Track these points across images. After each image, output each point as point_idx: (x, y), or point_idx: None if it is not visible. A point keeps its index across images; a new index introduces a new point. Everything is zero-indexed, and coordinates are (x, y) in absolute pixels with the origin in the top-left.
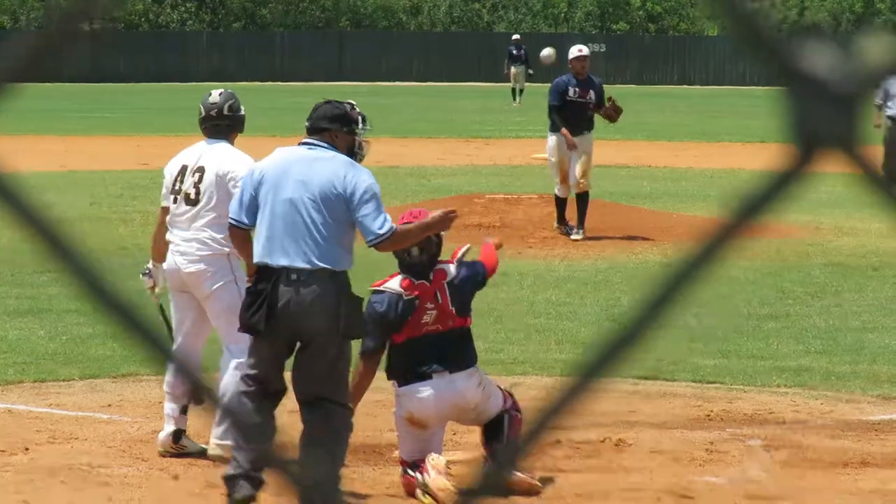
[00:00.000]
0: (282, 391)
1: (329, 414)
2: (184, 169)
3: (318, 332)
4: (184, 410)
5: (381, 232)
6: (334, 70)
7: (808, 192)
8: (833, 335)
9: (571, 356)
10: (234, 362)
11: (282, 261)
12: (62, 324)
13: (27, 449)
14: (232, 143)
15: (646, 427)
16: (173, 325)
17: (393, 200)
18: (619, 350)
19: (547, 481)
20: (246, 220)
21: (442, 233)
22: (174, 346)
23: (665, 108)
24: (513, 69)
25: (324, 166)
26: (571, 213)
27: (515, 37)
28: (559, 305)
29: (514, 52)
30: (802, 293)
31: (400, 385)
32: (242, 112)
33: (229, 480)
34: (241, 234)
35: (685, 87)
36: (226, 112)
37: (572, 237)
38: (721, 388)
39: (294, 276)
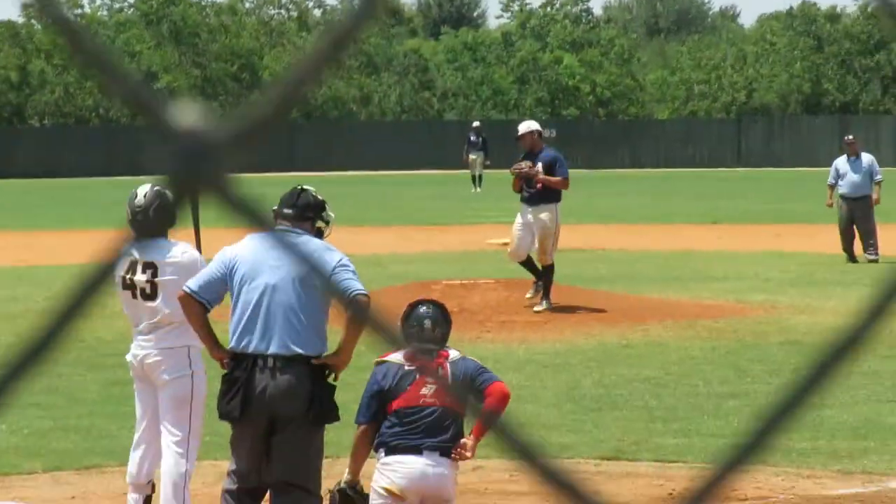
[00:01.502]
0: (264, 487)
1: (297, 503)
2: (133, 264)
3: (293, 418)
4: (147, 501)
5: (361, 288)
6: (286, 160)
7: (765, 271)
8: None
9: (533, 440)
10: (171, 446)
11: (257, 348)
12: (24, 417)
13: None
14: (167, 237)
15: None
16: (137, 414)
17: None
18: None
19: None
20: (204, 296)
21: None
22: (136, 434)
23: (618, 191)
24: (471, 156)
25: (299, 250)
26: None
27: (476, 124)
28: (520, 388)
29: (473, 138)
30: (761, 371)
31: (387, 454)
32: (172, 209)
33: None
34: (194, 305)
35: (636, 169)
36: (151, 215)
37: (534, 309)
38: (683, 467)
39: (271, 363)
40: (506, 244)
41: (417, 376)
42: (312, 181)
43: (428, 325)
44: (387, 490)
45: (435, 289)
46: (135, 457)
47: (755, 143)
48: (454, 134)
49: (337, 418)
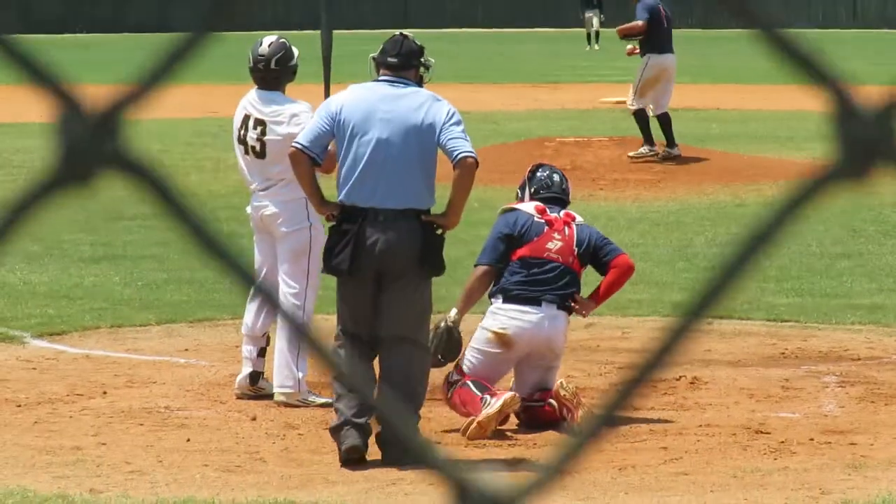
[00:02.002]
0: (375, 338)
1: (408, 357)
2: (246, 119)
3: (404, 272)
4: (261, 353)
5: (470, 151)
6: (399, 17)
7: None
8: None
9: (646, 296)
10: (289, 298)
11: (369, 202)
12: (137, 270)
13: (105, 392)
14: (283, 91)
15: (721, 365)
16: (255, 265)
17: None
18: (719, 292)
19: (622, 420)
20: (314, 150)
21: None
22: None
23: (731, 51)
24: (587, 13)
25: (409, 102)
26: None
27: None
28: (632, 246)
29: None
30: (874, 232)
31: (504, 301)
32: (293, 63)
33: (335, 432)
34: (305, 161)
35: (751, 29)
36: (273, 66)
37: (628, 153)
38: (795, 327)
39: (381, 217)
40: (619, 102)
41: (546, 229)
42: (425, 38)
43: (557, 178)
44: (498, 334)
45: (548, 146)
46: (251, 308)
47: (870, 3)
48: None
49: (444, 271)
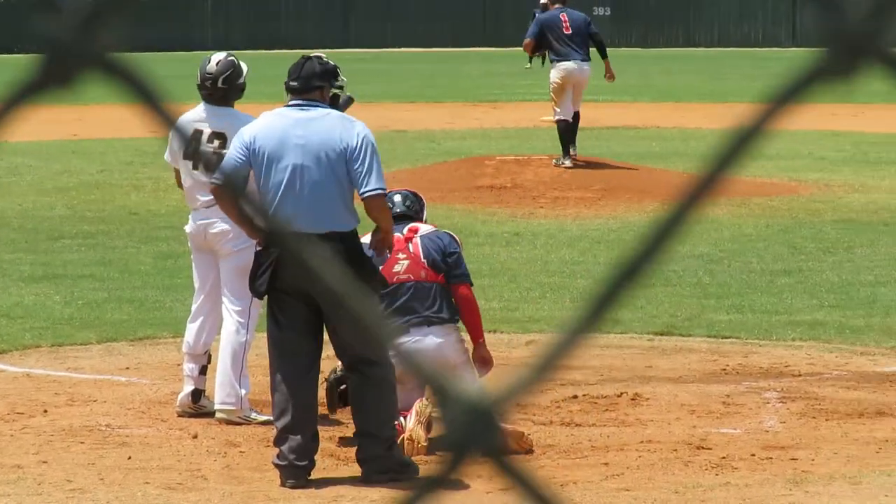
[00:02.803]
0: (312, 357)
1: (369, 375)
2: (197, 134)
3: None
4: (202, 371)
5: (375, 187)
6: (340, 36)
7: (819, 150)
8: (846, 289)
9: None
10: (233, 315)
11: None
12: (77, 289)
13: (46, 411)
14: (232, 107)
15: (663, 381)
16: (195, 285)
17: (403, 164)
18: (604, 307)
19: (564, 435)
20: (235, 182)
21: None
22: (195, 305)
23: (671, 70)
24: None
25: (320, 126)
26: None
27: (543, 1)
28: (573, 264)
29: (539, 14)
30: (815, 249)
31: None
32: (241, 81)
33: (278, 469)
34: (227, 195)
35: (690, 48)
36: (220, 84)
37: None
38: (736, 343)
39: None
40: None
41: (388, 255)
42: (367, 58)
43: (397, 198)
44: None
45: (488, 164)
46: (192, 327)
47: (810, 22)
48: (507, 10)
49: (383, 286)
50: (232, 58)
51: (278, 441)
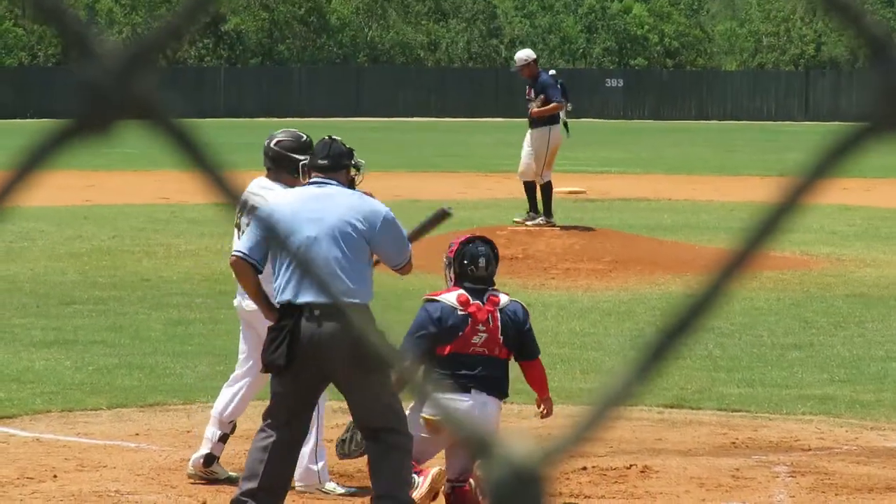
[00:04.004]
0: (301, 434)
1: (390, 443)
2: (244, 204)
3: (346, 366)
4: (223, 438)
5: (403, 258)
6: (352, 106)
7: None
8: (857, 364)
9: (597, 385)
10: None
11: (304, 297)
12: (88, 354)
13: (55, 476)
14: (286, 182)
15: (672, 454)
16: (240, 354)
17: None
18: (639, 379)
19: None
20: (255, 257)
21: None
22: (235, 371)
23: (683, 142)
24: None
25: (337, 202)
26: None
27: (552, 72)
28: (583, 336)
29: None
30: (826, 323)
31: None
32: (292, 154)
33: None
34: (247, 268)
35: (702, 121)
36: (268, 152)
37: (526, 221)
38: (746, 416)
39: (317, 312)
40: (572, 192)
41: (469, 322)
42: (378, 127)
43: (482, 263)
44: (427, 420)
45: (500, 234)
46: (226, 393)
47: (823, 97)
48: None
49: (405, 344)
50: (300, 134)
51: (237, 502)
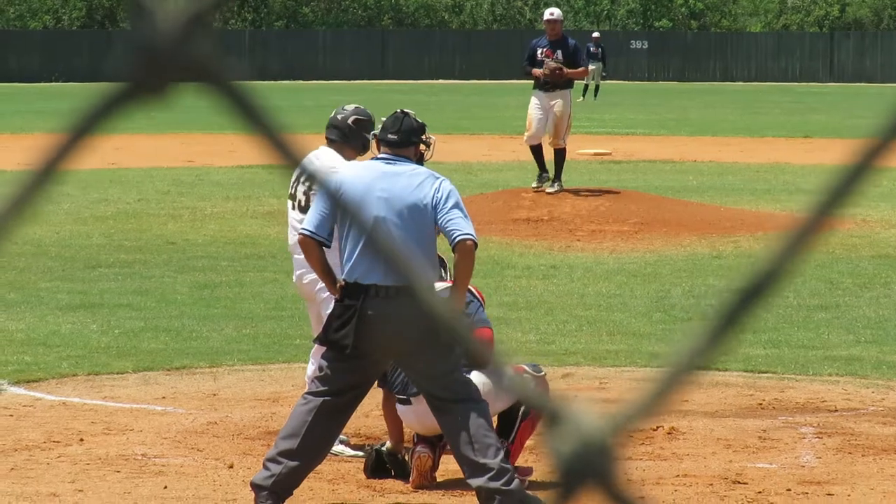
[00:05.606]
0: (350, 405)
1: (466, 415)
2: (310, 174)
3: (416, 345)
4: None
5: (466, 233)
6: (377, 68)
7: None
8: (883, 325)
9: (623, 347)
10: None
11: (369, 279)
12: (114, 318)
13: (82, 440)
14: (347, 157)
15: (699, 416)
16: (313, 327)
17: None
18: (711, 346)
19: None
20: (322, 234)
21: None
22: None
23: (708, 104)
24: (590, 66)
25: (406, 181)
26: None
27: (595, 35)
28: (609, 297)
29: (592, 49)
30: (851, 284)
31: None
32: (365, 133)
33: (255, 489)
34: (315, 247)
35: (727, 83)
36: (341, 126)
37: (546, 190)
38: (773, 378)
39: (382, 294)
40: (598, 154)
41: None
42: (403, 89)
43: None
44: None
45: (525, 197)
46: (312, 362)
47: (847, 59)
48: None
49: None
50: (362, 108)
51: (271, 461)
